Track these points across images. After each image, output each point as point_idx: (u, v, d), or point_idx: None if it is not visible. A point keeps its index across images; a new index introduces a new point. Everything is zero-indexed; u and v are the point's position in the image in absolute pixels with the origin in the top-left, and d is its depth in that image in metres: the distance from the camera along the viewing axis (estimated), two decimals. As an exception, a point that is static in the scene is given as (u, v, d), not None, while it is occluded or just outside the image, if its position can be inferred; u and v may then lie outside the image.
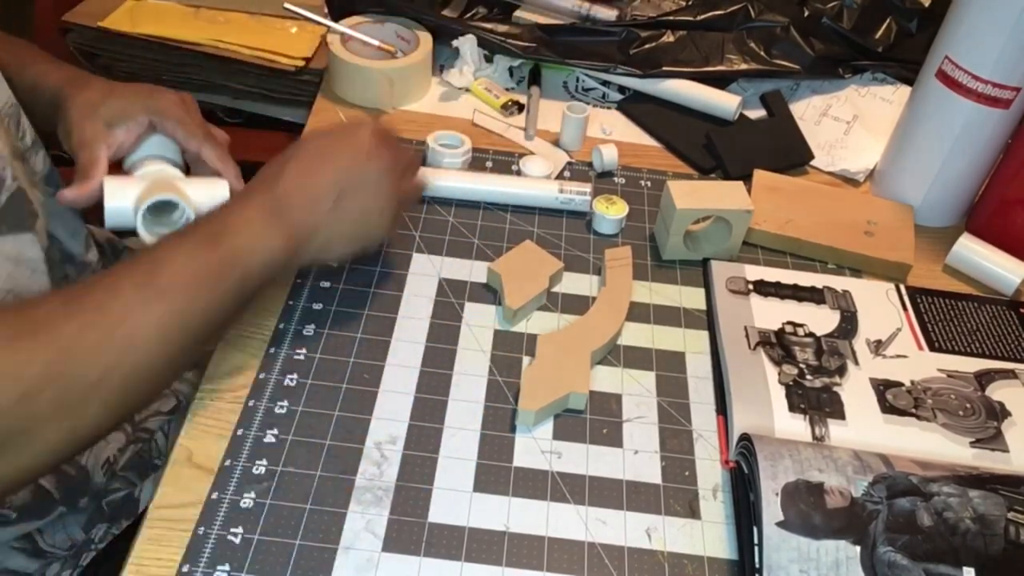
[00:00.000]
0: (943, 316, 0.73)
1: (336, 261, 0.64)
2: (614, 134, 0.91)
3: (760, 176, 0.84)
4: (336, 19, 0.93)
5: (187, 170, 0.69)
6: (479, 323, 0.69)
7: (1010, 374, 0.68)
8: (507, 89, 0.95)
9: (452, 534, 0.55)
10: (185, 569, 0.52)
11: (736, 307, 0.71)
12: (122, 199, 0.62)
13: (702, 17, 0.96)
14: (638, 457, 0.61)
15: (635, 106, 0.94)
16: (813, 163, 0.89)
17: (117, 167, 0.67)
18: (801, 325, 0.70)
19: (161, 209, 0.63)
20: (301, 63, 1.04)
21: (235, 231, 0.55)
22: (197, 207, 0.63)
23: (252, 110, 1.14)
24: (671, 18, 0.96)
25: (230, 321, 0.58)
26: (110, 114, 0.65)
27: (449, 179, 0.80)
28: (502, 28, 0.92)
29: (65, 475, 0.67)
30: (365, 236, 0.62)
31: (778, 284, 0.74)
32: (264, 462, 0.58)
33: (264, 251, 0.56)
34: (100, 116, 0.64)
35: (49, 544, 0.67)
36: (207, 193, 0.64)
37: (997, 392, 0.67)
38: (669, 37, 0.95)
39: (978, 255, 0.78)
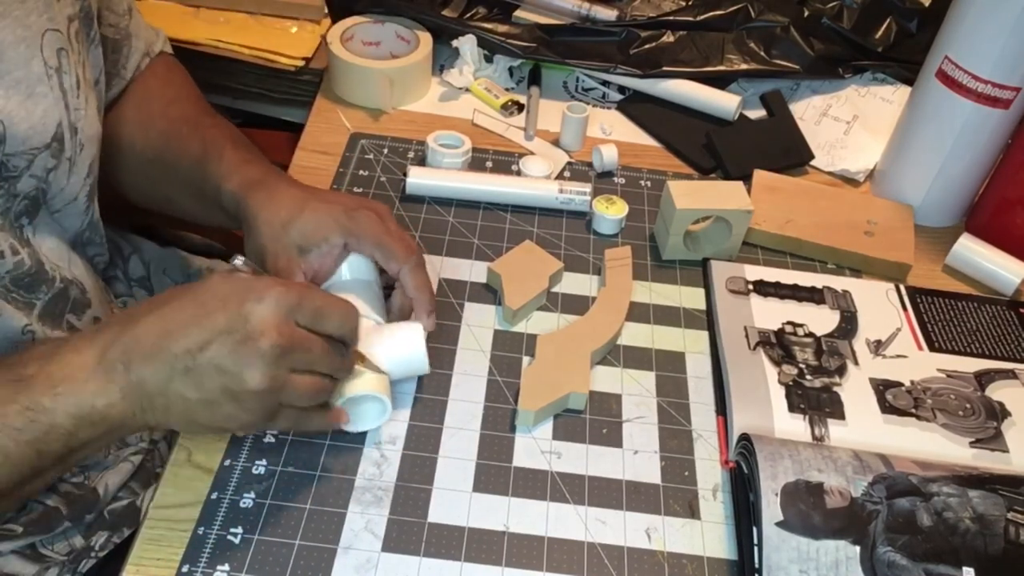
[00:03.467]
0: (943, 316, 0.73)
1: (189, 434, 0.54)
2: (614, 134, 0.91)
3: (760, 176, 0.84)
4: (336, 19, 0.93)
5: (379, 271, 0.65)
6: (479, 323, 0.69)
7: (1010, 374, 0.68)
8: (507, 89, 0.95)
9: (452, 534, 0.55)
10: (185, 569, 0.52)
11: (736, 307, 0.71)
12: None
13: (702, 17, 0.96)
14: (638, 457, 0.61)
15: (635, 106, 0.94)
16: (813, 163, 0.89)
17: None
18: (801, 325, 0.70)
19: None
20: (301, 63, 1.04)
21: (48, 384, 0.48)
22: (389, 372, 0.59)
23: (252, 110, 1.14)
24: (671, 18, 0.96)
25: (35, 480, 0.50)
26: (303, 237, 0.60)
27: (449, 179, 0.80)
28: (502, 28, 0.92)
29: (75, 495, 0.66)
30: (221, 420, 0.50)
31: (778, 284, 0.74)
32: (264, 462, 0.58)
33: (81, 411, 0.48)
34: (292, 240, 0.60)
35: (48, 550, 0.66)
36: (400, 350, 0.60)
37: (997, 392, 0.67)
38: (669, 37, 0.95)
39: (978, 255, 0.78)
